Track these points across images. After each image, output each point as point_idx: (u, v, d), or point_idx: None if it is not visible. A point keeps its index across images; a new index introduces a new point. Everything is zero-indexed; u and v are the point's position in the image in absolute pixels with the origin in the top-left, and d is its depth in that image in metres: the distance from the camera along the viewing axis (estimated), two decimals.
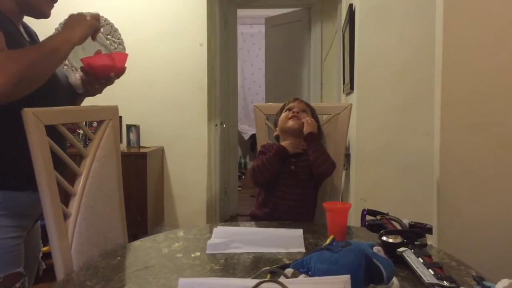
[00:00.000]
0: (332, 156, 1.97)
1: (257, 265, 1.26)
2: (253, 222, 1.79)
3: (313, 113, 1.97)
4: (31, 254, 1.54)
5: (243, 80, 8.34)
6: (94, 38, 1.47)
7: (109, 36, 4.04)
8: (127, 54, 1.60)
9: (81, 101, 1.66)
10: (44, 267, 1.62)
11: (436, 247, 1.53)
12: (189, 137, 4.17)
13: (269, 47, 5.89)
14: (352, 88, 3.15)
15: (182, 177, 4.20)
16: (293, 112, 1.91)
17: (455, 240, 1.72)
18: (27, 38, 1.47)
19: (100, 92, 1.62)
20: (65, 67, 3.98)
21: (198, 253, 1.34)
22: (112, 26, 4.06)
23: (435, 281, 1.06)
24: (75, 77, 1.56)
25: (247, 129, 8.00)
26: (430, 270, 1.10)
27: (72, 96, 1.58)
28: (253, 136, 7.41)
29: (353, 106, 2.19)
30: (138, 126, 4.06)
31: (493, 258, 1.68)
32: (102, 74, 1.52)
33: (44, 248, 1.68)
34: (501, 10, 1.69)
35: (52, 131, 1.26)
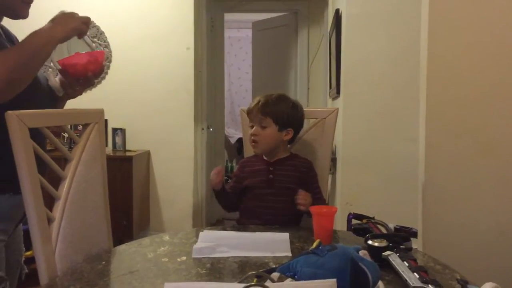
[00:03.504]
0: (318, 160, 1.97)
1: (244, 269, 1.25)
2: (239, 226, 1.79)
3: (276, 118, 1.78)
4: (13, 258, 1.52)
5: (230, 84, 8.34)
6: (79, 38, 1.46)
7: (95, 39, 4.02)
8: (103, 52, 1.59)
9: (63, 104, 1.64)
10: (27, 271, 1.60)
11: (421, 251, 1.54)
12: (176, 141, 4.15)
13: (256, 51, 5.90)
14: (338, 92, 3.17)
15: (168, 181, 4.18)
16: (252, 134, 1.80)
17: (440, 244, 1.73)
18: (7, 41, 1.45)
19: (81, 94, 1.60)
20: (49, 69, 3.94)
21: (184, 258, 1.34)
22: (98, 28, 4.04)
23: (420, 284, 1.06)
24: (55, 79, 1.54)
25: (233, 133, 7.99)
26: (415, 273, 1.11)
27: (53, 99, 1.57)
28: (239, 140, 7.40)
29: (340, 110, 2.20)
30: (124, 130, 4.04)
31: (477, 261, 1.70)
32: (78, 73, 1.50)
33: (28, 253, 1.66)
34: (487, 17, 1.71)
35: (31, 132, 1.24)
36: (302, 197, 1.73)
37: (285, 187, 1.79)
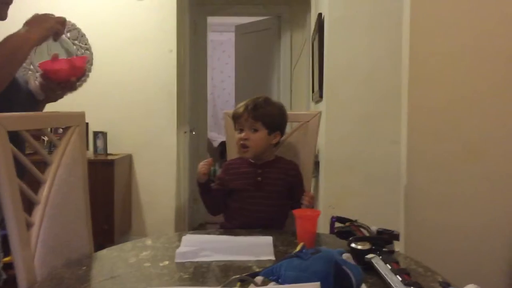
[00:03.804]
0: (301, 164, 1.98)
1: (227, 273, 1.24)
2: (222, 230, 1.78)
3: (266, 122, 1.78)
4: None
5: (212, 88, 8.33)
6: (55, 40, 1.44)
7: (76, 41, 3.97)
8: (86, 56, 1.57)
9: (43, 107, 1.62)
10: (5, 277, 1.57)
11: (403, 254, 1.55)
12: (158, 144, 4.12)
13: (239, 54, 5.91)
14: (321, 96, 3.18)
15: (150, 185, 4.15)
16: (241, 138, 1.78)
17: (421, 247, 1.75)
18: None
19: (62, 97, 1.58)
20: (29, 72, 3.89)
21: (167, 262, 1.32)
22: (79, 31, 3.99)
23: (402, 287, 1.07)
24: (35, 83, 1.52)
25: (216, 137, 7.98)
26: (397, 276, 1.12)
27: (33, 102, 1.54)
28: (222, 144, 7.39)
29: (322, 114, 2.21)
30: (106, 133, 4.00)
31: (459, 263, 1.71)
32: (61, 79, 1.48)
33: (6, 258, 1.63)
34: (468, 22, 1.73)
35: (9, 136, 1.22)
36: (310, 199, 1.76)
37: (274, 190, 1.79)
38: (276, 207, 1.79)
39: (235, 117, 1.83)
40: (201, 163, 1.80)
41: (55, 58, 1.49)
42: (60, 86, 1.51)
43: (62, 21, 1.43)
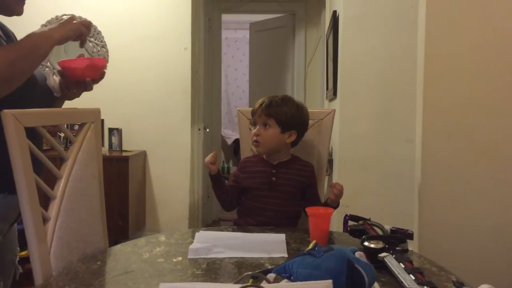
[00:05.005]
0: (315, 161, 1.97)
1: (239, 270, 1.25)
2: (235, 227, 1.78)
3: (279, 119, 1.78)
4: (8, 258, 1.51)
5: (226, 85, 8.34)
6: (81, 45, 1.46)
7: (92, 39, 4.01)
8: (105, 60, 1.58)
9: (60, 104, 1.64)
10: (21, 271, 1.60)
11: (417, 253, 1.55)
12: (172, 141, 4.15)
13: (253, 52, 5.91)
14: (335, 94, 3.17)
15: (165, 181, 4.18)
16: (255, 134, 1.81)
17: (435, 246, 1.74)
18: (4, 38, 1.45)
19: (78, 96, 1.59)
20: (46, 69, 3.93)
21: (180, 258, 1.33)
22: (95, 28, 4.03)
23: (416, 286, 1.06)
24: (54, 79, 1.54)
25: (230, 134, 8.00)
26: (411, 275, 1.11)
27: (50, 99, 1.56)
28: (236, 141, 7.41)
29: (336, 111, 2.20)
30: (121, 130, 4.03)
31: (473, 263, 1.70)
32: (76, 77, 1.50)
33: (23, 253, 1.66)
34: (483, 20, 1.71)
35: (27, 132, 1.23)
36: (340, 188, 1.72)
37: (288, 190, 1.79)
38: (288, 207, 1.79)
39: (252, 113, 1.86)
40: (208, 157, 1.82)
41: (80, 57, 1.51)
42: (75, 84, 1.53)
43: (87, 24, 1.45)
